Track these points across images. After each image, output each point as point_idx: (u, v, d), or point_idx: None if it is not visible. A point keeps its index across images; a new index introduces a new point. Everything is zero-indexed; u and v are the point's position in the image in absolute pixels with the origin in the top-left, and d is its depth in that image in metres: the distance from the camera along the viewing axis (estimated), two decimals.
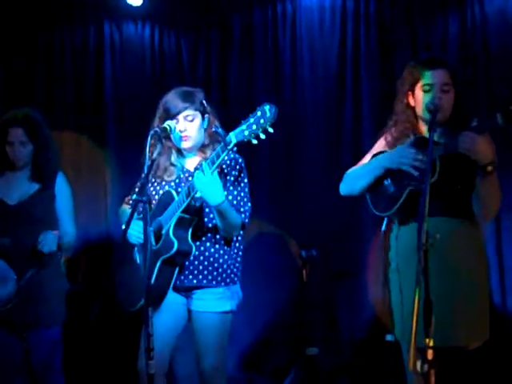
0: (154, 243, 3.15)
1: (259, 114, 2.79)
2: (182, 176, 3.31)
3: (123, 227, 2.92)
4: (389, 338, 4.21)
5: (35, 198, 3.72)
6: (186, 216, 3.13)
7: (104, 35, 5.33)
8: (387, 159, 3.00)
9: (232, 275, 3.26)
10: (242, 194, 3.25)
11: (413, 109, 3.03)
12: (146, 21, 5.39)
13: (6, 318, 3.57)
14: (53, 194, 3.76)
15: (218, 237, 3.22)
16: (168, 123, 3.15)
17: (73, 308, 3.79)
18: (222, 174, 3.17)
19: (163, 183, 3.32)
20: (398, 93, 3.09)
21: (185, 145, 3.26)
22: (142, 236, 2.87)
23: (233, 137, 2.88)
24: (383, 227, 3.13)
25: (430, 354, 2.26)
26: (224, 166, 3.21)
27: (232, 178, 3.23)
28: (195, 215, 3.17)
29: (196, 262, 3.20)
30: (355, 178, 3.15)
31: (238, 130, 2.86)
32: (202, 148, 3.30)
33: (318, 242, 4.60)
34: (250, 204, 3.26)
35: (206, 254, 3.21)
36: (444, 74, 2.93)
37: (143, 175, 2.89)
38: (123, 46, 5.37)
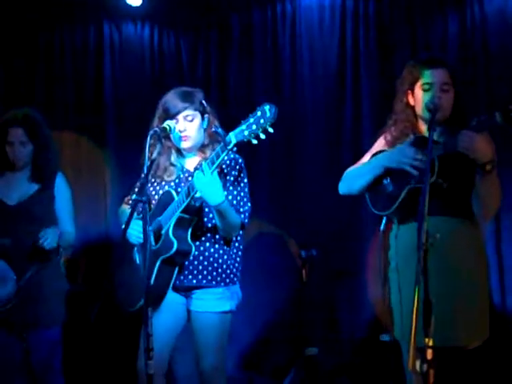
0: (153, 243, 3.15)
1: (259, 113, 2.78)
2: (181, 176, 3.31)
3: (123, 227, 2.93)
4: (384, 338, 4.22)
5: (35, 198, 3.73)
6: (186, 216, 3.13)
7: (103, 35, 5.34)
8: (387, 158, 3.00)
9: (231, 275, 3.26)
10: (242, 194, 3.25)
11: (412, 108, 3.03)
12: (146, 21, 5.39)
13: (5, 319, 3.58)
14: (52, 194, 3.77)
15: (217, 237, 3.22)
16: (168, 123, 3.15)
17: (72, 308, 3.79)
18: (222, 174, 3.17)
19: (163, 183, 3.32)
20: (398, 92, 3.09)
21: (184, 145, 3.26)
22: (141, 236, 2.87)
23: (233, 137, 2.87)
24: (382, 226, 3.13)
25: (429, 354, 2.26)
26: (224, 166, 3.21)
27: (232, 178, 3.23)
28: (195, 215, 3.17)
29: (195, 262, 3.20)
30: (354, 177, 3.15)
31: (237, 130, 2.86)
32: (201, 148, 3.30)
33: (317, 241, 4.60)
34: (249, 204, 3.26)
35: (206, 253, 3.21)
36: (444, 73, 2.93)
37: (143, 175, 2.89)
38: (123, 46, 5.37)
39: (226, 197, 3.12)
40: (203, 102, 3.29)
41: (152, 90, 5.09)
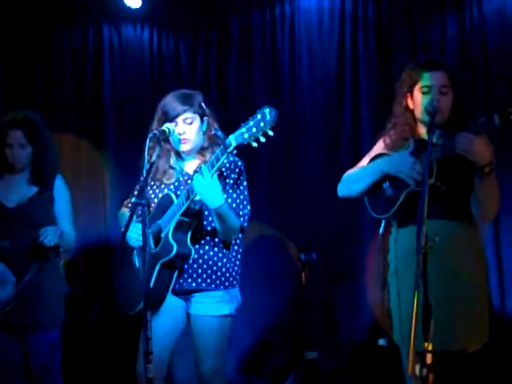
0: (153, 246, 3.15)
1: (259, 117, 2.78)
2: (181, 179, 3.30)
3: (122, 230, 2.92)
4: (381, 342, 4.22)
5: (34, 200, 3.73)
6: (186, 219, 3.13)
7: (103, 37, 5.34)
8: (386, 164, 2.99)
9: (231, 278, 3.25)
10: (242, 197, 3.24)
11: (411, 111, 3.03)
12: (145, 23, 5.40)
13: (5, 321, 3.57)
14: (51, 196, 3.77)
15: (216, 240, 3.22)
16: (167, 126, 3.14)
17: (72, 311, 3.79)
18: (222, 177, 3.16)
19: (162, 186, 3.32)
20: (397, 95, 3.09)
21: (184, 148, 3.26)
22: (141, 239, 2.87)
23: (232, 140, 2.87)
24: (381, 230, 3.13)
25: (428, 358, 2.26)
26: (223, 169, 3.20)
27: (231, 181, 3.23)
28: (194, 218, 3.16)
29: (195, 266, 3.19)
30: (353, 181, 3.15)
31: (237, 133, 2.85)
32: (201, 151, 3.30)
33: (317, 244, 4.61)
34: (249, 207, 3.26)
35: (205, 257, 3.21)
36: (442, 75, 2.93)
37: (142, 178, 2.89)
38: (122, 48, 5.38)
39: (226, 200, 3.11)
40: (202, 104, 3.29)
41: (151, 92, 5.09)
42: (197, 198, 3.05)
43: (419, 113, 2.97)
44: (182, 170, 3.33)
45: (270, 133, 2.78)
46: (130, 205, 3.45)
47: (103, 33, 5.35)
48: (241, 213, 3.22)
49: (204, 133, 3.30)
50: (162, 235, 3.14)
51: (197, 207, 3.16)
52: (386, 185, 3.00)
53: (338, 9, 5.07)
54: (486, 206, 2.88)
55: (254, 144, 2.82)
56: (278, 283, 4.86)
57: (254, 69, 5.26)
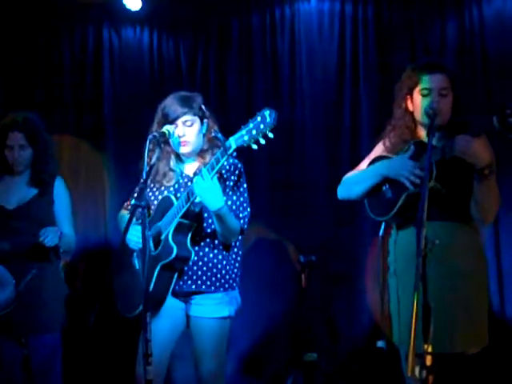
0: (153, 248, 3.15)
1: (259, 119, 2.78)
2: (181, 181, 3.30)
3: (122, 232, 2.92)
4: (380, 344, 4.22)
5: (34, 202, 3.73)
6: (185, 221, 3.13)
7: (103, 39, 5.34)
8: (386, 168, 2.99)
9: (231, 281, 3.26)
10: (241, 200, 3.25)
11: (411, 113, 3.03)
12: (145, 25, 5.40)
13: (4, 323, 3.57)
14: (51, 198, 3.77)
15: (216, 242, 3.22)
16: (167, 128, 3.14)
17: (72, 313, 3.79)
18: (222, 180, 3.16)
19: (162, 188, 3.32)
20: (397, 97, 3.09)
21: (184, 150, 3.26)
22: (140, 241, 2.87)
23: (232, 142, 2.87)
24: (381, 232, 3.13)
25: (428, 360, 2.27)
26: (223, 172, 3.20)
27: (231, 184, 3.23)
28: (194, 221, 3.16)
29: (195, 268, 3.19)
30: (353, 184, 3.15)
31: (237, 135, 2.86)
32: (200, 153, 3.30)
33: (316, 246, 4.60)
34: (249, 209, 3.26)
35: (205, 259, 3.21)
36: (442, 78, 2.93)
37: (142, 180, 2.89)
38: (122, 50, 5.37)
39: (226, 202, 3.11)
40: (202, 106, 3.29)
41: (151, 94, 5.09)
42: (197, 200, 3.05)
43: (419, 115, 2.97)
44: (181, 173, 3.33)
45: (270, 135, 2.78)
46: (129, 207, 3.45)
47: (103, 34, 5.34)
48: (241, 215, 3.22)
49: (204, 135, 3.30)
50: (162, 237, 3.14)
51: (197, 209, 3.16)
52: (385, 187, 3.00)
53: (338, 11, 5.06)
54: (486, 208, 2.87)
55: (254, 146, 2.83)
56: (278, 285, 4.86)
57: (254, 71, 5.25)
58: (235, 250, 3.30)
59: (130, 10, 5.19)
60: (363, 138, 4.88)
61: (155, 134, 3.07)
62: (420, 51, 4.85)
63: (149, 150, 3.00)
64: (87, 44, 5.34)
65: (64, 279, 3.82)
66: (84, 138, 5.20)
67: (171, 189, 3.29)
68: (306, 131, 5.08)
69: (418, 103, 2.97)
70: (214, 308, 3.19)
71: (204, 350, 3.20)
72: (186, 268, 3.18)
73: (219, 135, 3.01)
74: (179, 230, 3.12)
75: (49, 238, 3.54)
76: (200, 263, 3.20)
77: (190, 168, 3.33)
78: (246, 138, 2.82)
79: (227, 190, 3.21)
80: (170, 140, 3.21)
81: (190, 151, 3.27)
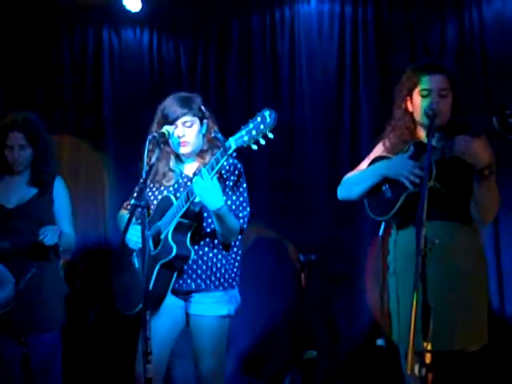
0: (152, 248, 3.16)
1: (259, 119, 2.79)
2: (180, 181, 3.31)
3: (122, 232, 2.93)
4: (379, 342, 4.23)
5: (33, 201, 3.73)
6: (185, 221, 3.14)
7: (103, 40, 5.34)
8: (385, 168, 3.00)
9: (230, 280, 3.26)
10: (241, 199, 3.25)
11: (411, 114, 3.04)
12: (145, 26, 5.40)
13: (4, 322, 3.57)
14: (51, 198, 3.77)
15: (216, 241, 3.23)
16: (166, 128, 3.15)
17: (71, 312, 3.79)
18: (221, 180, 3.17)
19: (162, 188, 3.33)
20: (397, 98, 3.10)
21: (183, 150, 3.26)
22: (140, 241, 2.88)
23: (232, 142, 2.88)
24: (381, 232, 3.14)
25: (427, 358, 2.27)
26: (223, 172, 3.21)
27: (231, 184, 3.23)
28: (194, 220, 3.17)
29: (194, 266, 3.20)
30: (353, 184, 3.15)
31: (237, 136, 2.86)
32: (200, 153, 3.30)
33: (316, 246, 4.61)
34: (248, 209, 3.27)
35: (205, 258, 3.22)
36: (442, 79, 2.94)
37: (141, 180, 2.90)
38: (122, 52, 5.38)
39: (225, 202, 3.11)
40: (202, 107, 3.30)
41: (151, 95, 5.09)
42: (196, 199, 3.05)
43: (419, 116, 2.98)
44: (181, 173, 3.34)
45: (270, 135, 2.78)
46: (129, 207, 3.46)
47: (103, 36, 5.35)
48: (240, 215, 3.22)
49: (204, 135, 3.31)
50: (162, 237, 3.15)
51: (196, 209, 3.17)
52: (385, 187, 3.01)
53: (338, 12, 5.07)
54: (486, 208, 2.88)
55: (254, 147, 2.83)
56: (278, 284, 4.86)
57: (253, 72, 5.25)
58: (235, 249, 3.30)
59: (130, 12, 5.20)
60: (363, 139, 4.89)
61: (155, 134, 3.08)
62: (420, 53, 4.85)
63: (148, 151, 3.01)
64: (87, 45, 5.34)
65: (64, 278, 3.82)
66: (84, 138, 5.20)
67: (171, 189, 3.29)
68: (305, 132, 5.09)
69: (417, 104, 2.97)
70: (213, 306, 3.20)
71: (203, 348, 3.20)
72: (185, 267, 3.19)
73: (219, 135, 3.02)
74: (179, 229, 3.12)
75: (48, 236, 3.54)
76: (200, 262, 3.20)
77: (189, 168, 3.34)
78: (245, 138, 2.82)
79: (227, 190, 3.22)
80: (170, 140, 3.22)
81: (189, 152, 3.28)
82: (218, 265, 3.23)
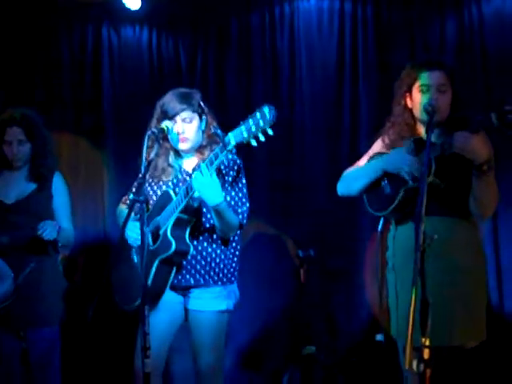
0: (151, 243, 3.16)
1: (258, 115, 2.78)
2: (179, 176, 3.31)
3: (121, 227, 2.93)
4: (379, 337, 4.23)
5: (32, 197, 3.74)
6: (184, 216, 3.14)
7: (102, 38, 5.33)
8: (385, 162, 3.00)
9: (229, 275, 3.27)
10: (240, 195, 3.25)
11: (410, 110, 3.04)
12: (144, 24, 5.38)
13: (3, 316, 3.57)
14: (50, 193, 3.78)
15: (215, 237, 3.23)
16: (165, 124, 3.16)
17: (70, 307, 3.80)
18: (220, 175, 3.17)
19: (161, 183, 3.33)
20: (396, 95, 3.10)
21: (182, 146, 3.27)
22: (139, 237, 2.88)
23: (231, 138, 2.88)
24: (380, 227, 3.14)
25: (426, 354, 2.27)
26: (222, 167, 3.21)
27: (230, 179, 3.24)
28: (193, 216, 3.17)
29: (193, 262, 3.20)
30: (353, 179, 3.15)
31: (236, 132, 2.86)
32: (199, 149, 3.31)
33: (315, 241, 4.61)
34: (247, 204, 3.27)
35: (204, 253, 3.22)
36: (441, 74, 2.94)
37: (140, 175, 2.91)
38: (121, 49, 5.37)
39: (225, 197, 3.12)
40: (201, 103, 3.30)
41: (150, 93, 5.06)
42: (195, 195, 3.06)
43: (418, 112, 2.98)
44: (180, 168, 3.34)
45: (270, 131, 2.78)
46: (127, 201, 3.46)
47: (102, 33, 5.33)
48: (239, 210, 3.23)
49: (203, 131, 3.31)
50: (161, 232, 3.15)
51: (195, 204, 3.17)
52: (384, 182, 3.01)
53: (338, 9, 5.05)
54: (484, 203, 2.88)
55: (254, 143, 2.83)
56: (277, 280, 4.85)
57: (253, 69, 5.24)
58: (234, 244, 3.30)
59: (129, 9, 5.18)
60: (362, 136, 4.88)
61: (154, 130, 3.09)
62: (419, 49, 4.84)
63: (147, 146, 3.02)
64: (86, 43, 5.33)
65: (63, 273, 3.83)
66: (83, 136, 5.19)
67: (170, 184, 3.30)
68: (305, 129, 5.08)
69: (416, 100, 2.97)
70: (212, 301, 3.20)
71: (202, 343, 3.21)
72: (184, 262, 3.19)
73: (218, 131, 3.03)
74: (178, 224, 3.13)
75: (47, 231, 3.54)
76: (198, 257, 3.21)
77: (188, 163, 3.34)
78: (245, 134, 2.82)
79: (226, 186, 3.22)
80: (169, 136, 3.22)
81: (189, 147, 3.28)
82: (217, 260, 3.23)
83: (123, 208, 3.52)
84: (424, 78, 2.95)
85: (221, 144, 2.94)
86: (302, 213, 4.89)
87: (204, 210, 3.21)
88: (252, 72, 5.24)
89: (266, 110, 2.77)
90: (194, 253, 3.19)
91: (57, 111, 5.19)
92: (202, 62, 5.33)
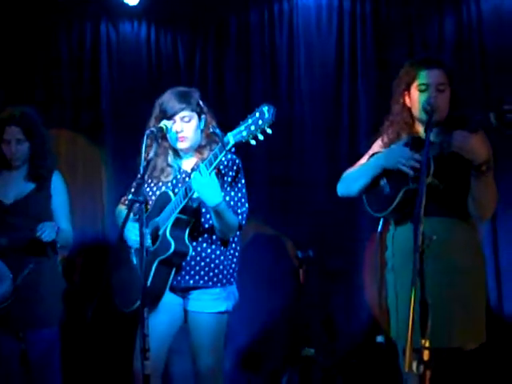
0: (150, 244, 3.15)
1: (258, 114, 2.79)
2: (178, 177, 3.31)
3: (120, 227, 2.93)
4: (379, 339, 4.23)
5: (31, 196, 3.73)
6: (183, 217, 3.13)
7: (100, 34, 5.31)
8: (384, 158, 3.00)
9: (228, 276, 3.26)
10: (239, 195, 3.25)
11: (409, 109, 3.03)
12: (143, 20, 5.37)
13: (2, 317, 3.57)
14: (49, 193, 3.77)
15: (214, 237, 3.23)
16: (164, 123, 3.15)
17: (69, 308, 3.80)
18: (219, 175, 3.16)
19: (160, 184, 3.32)
20: (395, 93, 3.09)
21: (181, 145, 3.26)
22: (138, 239, 2.87)
23: (231, 138, 2.88)
24: (379, 227, 3.14)
25: (425, 355, 2.27)
26: (221, 167, 3.20)
27: (229, 179, 3.23)
28: (192, 216, 3.16)
29: (193, 263, 3.20)
30: (353, 179, 3.14)
31: (236, 131, 2.86)
32: (198, 149, 3.30)
33: (314, 242, 4.60)
34: (247, 205, 3.26)
35: (203, 254, 3.21)
36: (440, 73, 2.94)
37: (139, 175, 2.90)
38: (120, 45, 5.35)
39: (224, 198, 3.11)
40: (200, 102, 3.30)
41: (149, 89, 5.07)
42: (195, 195, 3.05)
43: (417, 111, 2.97)
44: (179, 168, 3.33)
45: (269, 131, 2.79)
46: (127, 202, 3.45)
47: (101, 29, 5.31)
48: (239, 210, 3.22)
49: (202, 131, 3.30)
50: (160, 233, 3.15)
51: (195, 205, 3.16)
52: (383, 182, 3.00)
53: (337, 6, 5.05)
54: (483, 204, 2.87)
55: (253, 142, 2.83)
56: (276, 281, 4.85)
57: (252, 67, 5.23)
58: (233, 245, 3.30)
59: (127, 5, 5.17)
60: (361, 133, 4.88)
61: (153, 129, 3.09)
62: (418, 47, 4.84)
63: (146, 146, 3.01)
64: (85, 39, 5.31)
65: (62, 273, 3.82)
66: (82, 132, 5.18)
67: (169, 184, 3.29)
68: (304, 127, 5.07)
69: (415, 99, 2.97)
70: (211, 303, 3.20)
71: (202, 344, 3.21)
72: (183, 263, 3.18)
73: (217, 131, 3.02)
74: (177, 225, 3.12)
75: (46, 233, 3.54)
76: (198, 258, 3.20)
77: (187, 163, 3.33)
78: (244, 133, 2.82)
79: (225, 186, 3.21)
80: (168, 135, 3.22)
81: (187, 147, 3.27)
82: (217, 261, 3.23)
83: (122, 208, 3.51)
84: (423, 76, 2.94)
85: (220, 144, 2.93)
86: (301, 210, 4.89)
87: (203, 210, 3.20)
88: (251, 70, 5.23)
89: (265, 109, 2.77)
90: (194, 254, 3.18)
91: (55, 108, 5.19)
92: (201, 58, 5.32)
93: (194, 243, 3.20)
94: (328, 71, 5.05)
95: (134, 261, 3.28)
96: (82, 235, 4.71)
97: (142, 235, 2.72)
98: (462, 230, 2.91)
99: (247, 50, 5.23)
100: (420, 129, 3.02)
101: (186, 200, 3.07)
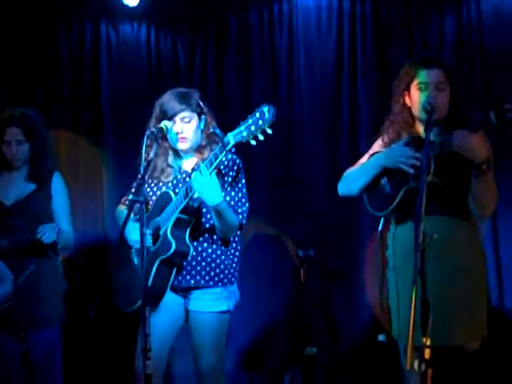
0: (151, 244, 3.15)
1: (258, 115, 2.79)
2: (179, 177, 3.31)
3: (121, 228, 2.93)
4: (381, 338, 4.23)
5: (32, 197, 3.73)
6: (184, 217, 3.14)
7: (100, 35, 5.32)
8: (384, 157, 3.00)
9: (229, 275, 3.26)
10: (240, 195, 3.25)
11: (409, 109, 3.03)
12: (143, 21, 5.37)
13: (3, 318, 3.57)
14: (49, 194, 3.77)
15: (215, 237, 3.23)
16: (164, 123, 3.15)
17: (71, 308, 3.80)
18: (220, 175, 3.17)
19: (160, 184, 3.33)
20: (395, 93, 3.10)
21: (181, 146, 3.26)
22: (139, 239, 2.88)
23: (231, 138, 2.88)
24: (380, 226, 3.14)
25: (427, 353, 2.27)
26: (222, 167, 3.21)
27: (229, 179, 3.23)
28: (193, 216, 3.17)
29: (193, 263, 3.20)
30: (353, 179, 3.15)
31: (236, 131, 2.87)
32: (199, 149, 3.30)
33: (315, 241, 4.61)
34: (247, 205, 3.27)
35: (204, 254, 3.22)
36: (439, 72, 2.94)
37: (139, 176, 2.90)
38: (119, 46, 5.36)
39: (224, 197, 3.12)
40: (200, 102, 3.30)
41: (149, 90, 5.07)
42: (195, 195, 3.05)
43: (416, 110, 2.98)
44: (179, 168, 3.34)
45: (269, 131, 2.79)
46: (127, 202, 3.46)
47: (101, 30, 5.31)
48: (239, 210, 3.22)
49: (202, 131, 3.31)
50: (161, 232, 3.15)
51: (195, 205, 3.17)
52: (384, 181, 3.01)
53: (336, 6, 5.05)
54: (484, 203, 2.88)
55: (253, 142, 2.84)
56: (277, 280, 4.85)
57: (252, 68, 5.23)
58: (234, 245, 3.30)
59: (127, 6, 5.18)
60: (361, 133, 4.88)
61: (153, 129, 3.09)
62: (418, 47, 4.84)
63: (146, 146, 3.01)
64: (85, 40, 5.31)
65: (62, 274, 3.82)
66: (82, 133, 5.18)
67: (169, 184, 3.30)
68: (304, 127, 5.07)
69: (415, 98, 2.97)
70: (212, 302, 3.20)
71: (203, 344, 3.21)
72: (184, 263, 3.19)
73: (217, 131, 3.02)
74: (178, 225, 3.12)
75: (46, 234, 3.54)
76: (199, 258, 3.21)
77: (188, 164, 3.34)
78: (244, 133, 2.83)
79: (225, 186, 3.22)
80: (168, 136, 3.22)
81: (188, 147, 3.28)
82: (217, 261, 3.23)
83: (123, 209, 3.51)
84: (422, 75, 2.95)
85: (220, 144, 2.94)
86: (302, 210, 4.89)
87: (204, 210, 3.21)
88: (251, 70, 5.23)
89: (265, 109, 2.78)
90: (194, 254, 3.18)
91: (55, 108, 5.18)
92: (201, 59, 5.32)
93: (195, 243, 3.20)
94: (328, 71, 5.05)
95: (135, 261, 3.28)
96: (83, 236, 4.71)
97: (142, 235, 2.73)
98: (463, 229, 2.92)
99: (247, 50, 5.23)
100: (420, 128, 3.02)
101: (187, 200, 3.08)
